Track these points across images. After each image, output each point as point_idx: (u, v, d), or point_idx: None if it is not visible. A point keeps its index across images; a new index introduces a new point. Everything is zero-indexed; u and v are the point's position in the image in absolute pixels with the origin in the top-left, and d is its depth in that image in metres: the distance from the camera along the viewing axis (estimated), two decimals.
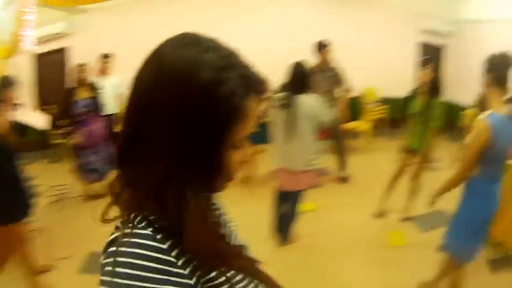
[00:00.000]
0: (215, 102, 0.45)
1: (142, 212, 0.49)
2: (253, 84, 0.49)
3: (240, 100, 0.47)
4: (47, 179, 4.06)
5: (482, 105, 2.92)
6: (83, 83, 3.74)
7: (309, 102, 2.68)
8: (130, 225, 0.47)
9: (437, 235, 3.17)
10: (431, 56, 7.03)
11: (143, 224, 0.47)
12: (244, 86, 0.47)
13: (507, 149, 1.94)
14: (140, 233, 0.46)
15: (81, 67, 3.76)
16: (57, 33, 5.31)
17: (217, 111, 0.45)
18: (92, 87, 3.84)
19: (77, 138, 3.74)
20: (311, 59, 5.10)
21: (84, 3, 5.03)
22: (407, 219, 3.46)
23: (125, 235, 0.46)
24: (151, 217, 0.48)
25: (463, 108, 6.29)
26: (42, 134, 4.61)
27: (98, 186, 4.00)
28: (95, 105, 3.80)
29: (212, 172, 0.49)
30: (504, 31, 5.57)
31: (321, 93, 4.12)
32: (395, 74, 6.50)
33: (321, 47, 4.11)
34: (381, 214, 3.53)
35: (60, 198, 3.94)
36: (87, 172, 3.86)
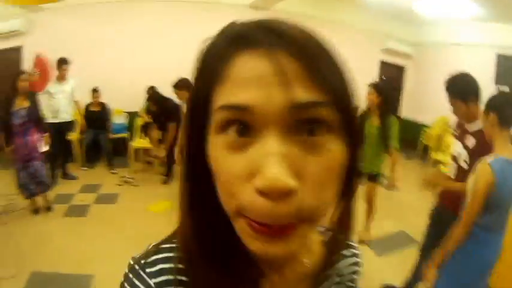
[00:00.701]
0: (203, 65, 0.40)
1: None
2: (245, 40, 0.37)
3: (221, 57, 0.38)
4: None
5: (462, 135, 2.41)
6: (22, 91, 3.41)
7: None
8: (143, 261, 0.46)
9: (393, 259, 3.16)
10: (393, 75, 7.27)
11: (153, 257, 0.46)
12: (232, 42, 0.38)
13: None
14: (140, 274, 0.45)
15: (24, 75, 3.43)
16: (12, 31, 4.97)
17: (203, 73, 0.40)
18: (31, 97, 3.50)
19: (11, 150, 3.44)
20: None
21: (41, 2, 4.71)
22: (363, 242, 3.41)
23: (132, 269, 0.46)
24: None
25: (422, 126, 6.52)
26: None
27: (41, 199, 3.71)
28: (32, 115, 3.47)
29: (200, 163, 0.39)
30: (464, 55, 5.81)
31: None
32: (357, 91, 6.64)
33: None
34: None
35: (4, 210, 3.61)
36: (21, 186, 3.52)
